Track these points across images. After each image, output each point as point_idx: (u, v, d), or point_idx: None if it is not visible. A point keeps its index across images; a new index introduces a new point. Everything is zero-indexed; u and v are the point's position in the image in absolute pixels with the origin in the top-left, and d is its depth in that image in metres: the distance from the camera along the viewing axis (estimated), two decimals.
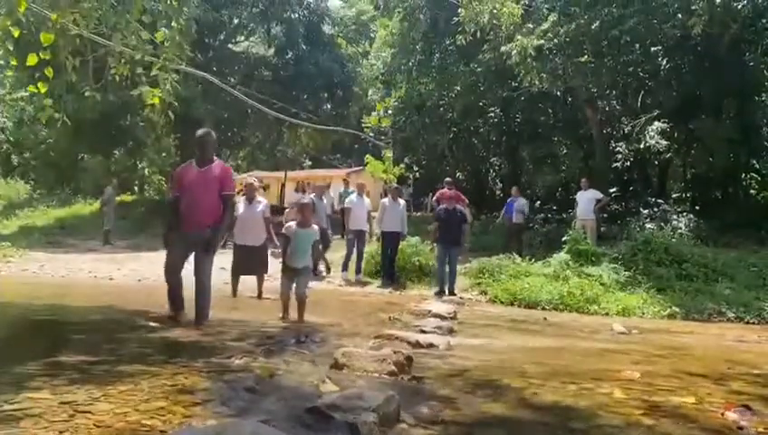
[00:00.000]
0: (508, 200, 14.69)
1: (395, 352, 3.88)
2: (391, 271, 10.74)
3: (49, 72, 5.98)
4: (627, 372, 4.09)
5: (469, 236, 10.73)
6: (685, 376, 4.08)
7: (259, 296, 8.36)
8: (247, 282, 8.43)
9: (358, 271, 11.03)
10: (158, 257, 13.74)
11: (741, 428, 2.83)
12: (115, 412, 2.58)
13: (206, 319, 5.52)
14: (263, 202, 8.49)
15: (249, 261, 8.15)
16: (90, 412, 2.56)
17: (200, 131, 5.74)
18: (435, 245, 10.41)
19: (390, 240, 10.67)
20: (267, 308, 7.14)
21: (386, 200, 11.12)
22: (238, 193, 8.73)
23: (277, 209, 15.20)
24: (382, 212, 10.79)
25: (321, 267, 11.32)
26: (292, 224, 6.39)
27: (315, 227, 6.47)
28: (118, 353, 4.09)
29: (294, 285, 6.23)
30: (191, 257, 5.57)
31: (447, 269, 9.98)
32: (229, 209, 5.68)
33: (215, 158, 5.68)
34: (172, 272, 5.49)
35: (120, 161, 29.86)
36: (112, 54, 6.42)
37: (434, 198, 15.42)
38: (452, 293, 9.86)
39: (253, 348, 4.49)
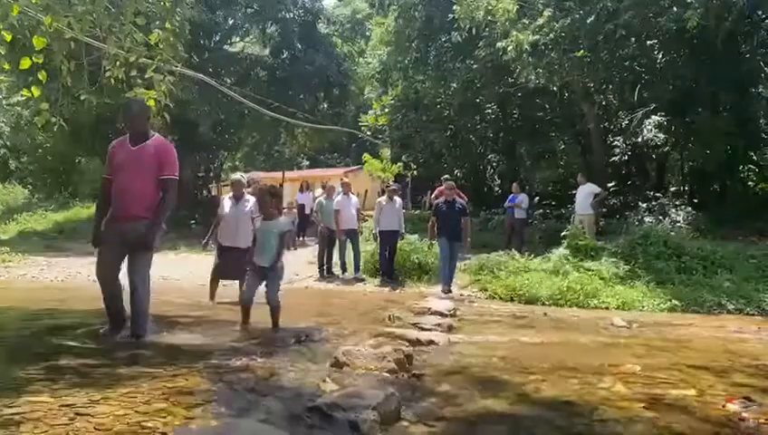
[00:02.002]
0: (510, 197, 14.70)
1: (395, 350, 3.88)
2: (390, 269, 10.73)
3: (43, 75, 5.96)
4: (628, 366, 4.10)
5: (470, 231, 10.30)
6: (685, 369, 4.09)
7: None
8: (225, 290, 7.64)
9: (356, 269, 11.02)
10: (159, 259, 13.79)
11: (742, 419, 2.84)
12: (115, 415, 2.58)
13: (143, 333, 4.60)
14: (251, 200, 7.55)
15: (236, 265, 7.02)
16: (90, 415, 2.56)
17: (129, 102, 4.99)
18: (434, 241, 10.07)
19: (388, 239, 10.66)
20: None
21: (383, 199, 11.10)
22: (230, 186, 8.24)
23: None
24: (379, 211, 10.77)
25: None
26: (258, 218, 5.82)
27: (282, 218, 5.74)
28: (118, 356, 4.08)
29: (264, 288, 5.45)
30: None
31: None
32: (169, 196, 4.62)
33: (152, 133, 4.74)
34: (106, 278, 4.60)
35: None
36: (107, 57, 6.40)
37: (432, 195, 15.43)
38: (449, 289, 9.56)
39: (253, 348, 4.49)
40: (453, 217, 9.65)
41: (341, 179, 13.14)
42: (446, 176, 12.95)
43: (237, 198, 7.58)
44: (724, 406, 3.05)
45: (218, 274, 7.61)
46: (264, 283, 5.45)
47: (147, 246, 4.53)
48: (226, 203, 7.70)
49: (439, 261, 10.01)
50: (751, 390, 3.40)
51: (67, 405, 2.69)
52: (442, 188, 11.34)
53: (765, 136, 17.56)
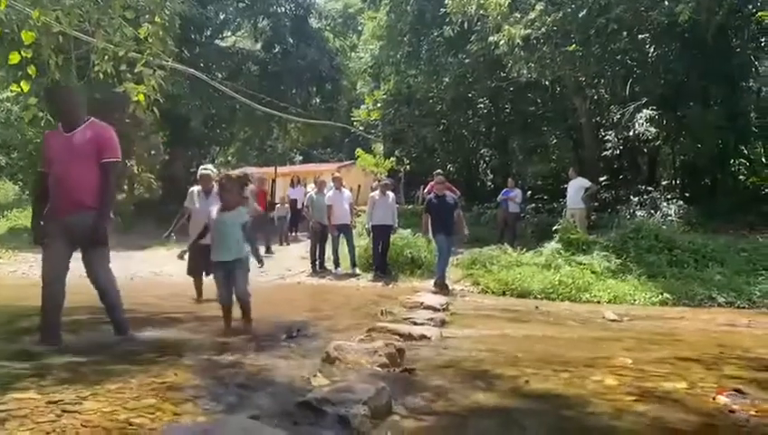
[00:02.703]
0: (503, 191, 14.73)
1: (387, 345, 3.86)
2: (383, 264, 10.71)
3: (32, 70, 5.90)
4: (619, 359, 4.10)
5: (464, 224, 9.97)
6: (676, 362, 4.09)
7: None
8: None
9: (353, 265, 11.00)
10: (150, 255, 13.73)
11: (733, 411, 2.84)
12: (103, 411, 2.55)
13: (127, 329, 4.48)
14: None
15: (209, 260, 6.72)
16: (77, 412, 2.54)
17: (53, 88, 4.72)
18: (430, 236, 9.73)
19: (381, 234, 10.64)
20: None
21: (375, 194, 11.06)
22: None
23: (269, 205, 15.12)
24: (372, 206, 10.75)
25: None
26: (213, 208, 5.32)
27: (243, 208, 5.27)
28: (107, 352, 4.05)
29: (232, 283, 5.11)
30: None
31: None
32: (109, 181, 4.29)
33: (87, 117, 4.38)
34: (51, 276, 4.23)
35: None
36: (95, 51, 6.34)
37: (425, 190, 15.42)
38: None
39: (243, 344, 4.47)
40: (446, 211, 9.51)
41: (333, 174, 13.12)
42: (438, 171, 12.77)
43: (207, 192, 7.23)
44: (714, 398, 3.05)
45: (194, 271, 7.25)
46: (232, 277, 5.09)
47: (99, 240, 4.23)
48: (196, 197, 7.32)
49: (436, 256, 9.85)
50: (741, 382, 3.40)
51: (54, 402, 2.66)
52: (433, 183, 11.23)
53: (756, 130, 17.63)
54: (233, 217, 5.09)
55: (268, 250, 13.67)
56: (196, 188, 7.44)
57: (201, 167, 7.65)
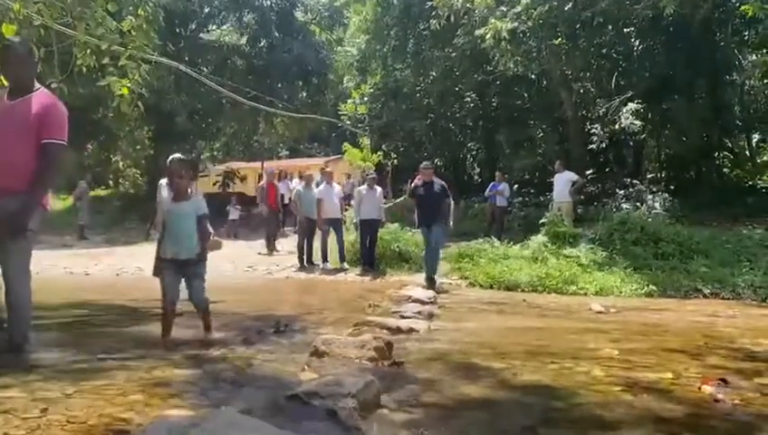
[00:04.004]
0: (491, 184, 14.77)
1: (375, 338, 3.86)
2: (371, 258, 10.70)
3: None
4: (605, 350, 4.14)
5: (455, 213, 9.52)
6: (662, 352, 4.13)
7: None
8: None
9: (342, 259, 10.98)
10: (136, 251, 13.65)
11: (718, 401, 2.87)
12: (89, 407, 2.53)
13: (24, 341, 3.63)
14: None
15: None
16: (63, 408, 2.51)
17: (10, 43, 3.96)
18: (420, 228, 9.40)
19: (369, 228, 10.62)
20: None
21: (363, 188, 11.02)
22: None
23: (280, 202, 14.79)
24: (359, 200, 10.72)
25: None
26: (164, 192, 4.63)
27: (199, 198, 4.60)
28: (93, 349, 4.02)
29: (187, 287, 4.45)
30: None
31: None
32: (48, 164, 3.59)
33: (37, 86, 3.74)
34: None
35: (93, 155, 29.37)
36: (77, 45, 6.26)
37: (412, 184, 15.40)
38: (431, 279, 8.83)
39: (231, 338, 4.45)
40: (433, 200, 8.95)
41: (322, 169, 13.06)
42: (426, 162, 11.51)
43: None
44: (699, 388, 3.08)
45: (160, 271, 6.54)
46: (185, 280, 4.43)
47: (17, 228, 3.47)
48: (165, 190, 6.39)
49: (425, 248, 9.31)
50: (726, 372, 3.44)
51: (39, 398, 2.63)
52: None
53: (740, 123, 17.85)
54: (186, 208, 4.44)
55: (273, 247, 13.33)
56: (165, 181, 6.56)
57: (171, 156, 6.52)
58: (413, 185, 9.54)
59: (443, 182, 9.32)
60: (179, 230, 4.41)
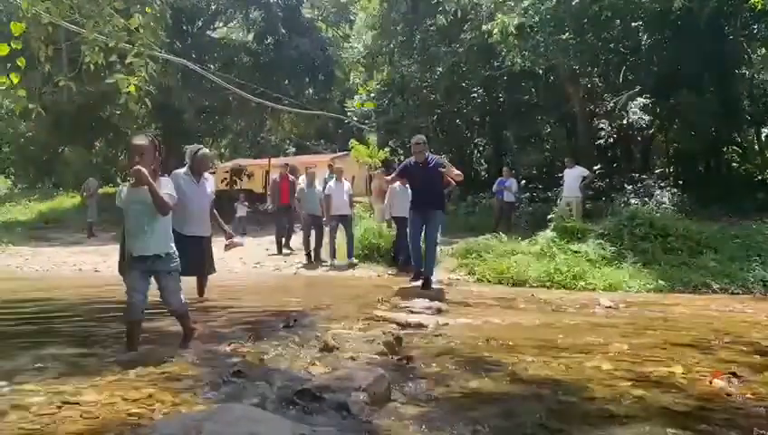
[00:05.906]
0: (499, 180, 14.75)
1: (384, 333, 3.88)
2: (407, 256, 10.45)
3: (22, 62, 5.84)
4: (615, 345, 4.13)
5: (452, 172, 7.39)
6: (672, 347, 4.12)
7: (201, 294, 6.20)
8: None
9: (350, 255, 10.97)
10: None
11: (729, 394, 2.87)
12: (103, 402, 2.56)
13: None
14: (210, 179, 6.27)
15: (195, 257, 5.61)
16: (77, 403, 2.54)
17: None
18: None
19: (403, 224, 10.43)
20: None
21: (396, 185, 10.00)
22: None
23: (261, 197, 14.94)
24: (392, 197, 10.64)
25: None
26: (123, 188, 3.93)
27: (164, 179, 3.99)
28: (105, 344, 4.05)
29: (160, 291, 3.88)
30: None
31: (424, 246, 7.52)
32: None
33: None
34: None
35: (101, 153, 29.53)
36: (86, 42, 6.28)
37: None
38: (427, 280, 7.43)
39: (241, 334, 4.47)
40: (428, 180, 7.36)
41: (330, 165, 13.03)
42: (418, 136, 8.09)
43: (198, 175, 6.09)
44: (710, 382, 3.08)
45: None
46: (156, 280, 3.86)
47: None
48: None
49: (408, 239, 7.71)
50: (737, 366, 3.43)
51: (54, 394, 2.66)
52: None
53: (749, 117, 17.71)
54: (143, 193, 3.71)
55: (285, 246, 13.13)
56: (181, 171, 6.05)
57: (195, 146, 6.23)
58: (404, 164, 8.02)
59: (441, 159, 7.70)
60: (138, 222, 3.79)
